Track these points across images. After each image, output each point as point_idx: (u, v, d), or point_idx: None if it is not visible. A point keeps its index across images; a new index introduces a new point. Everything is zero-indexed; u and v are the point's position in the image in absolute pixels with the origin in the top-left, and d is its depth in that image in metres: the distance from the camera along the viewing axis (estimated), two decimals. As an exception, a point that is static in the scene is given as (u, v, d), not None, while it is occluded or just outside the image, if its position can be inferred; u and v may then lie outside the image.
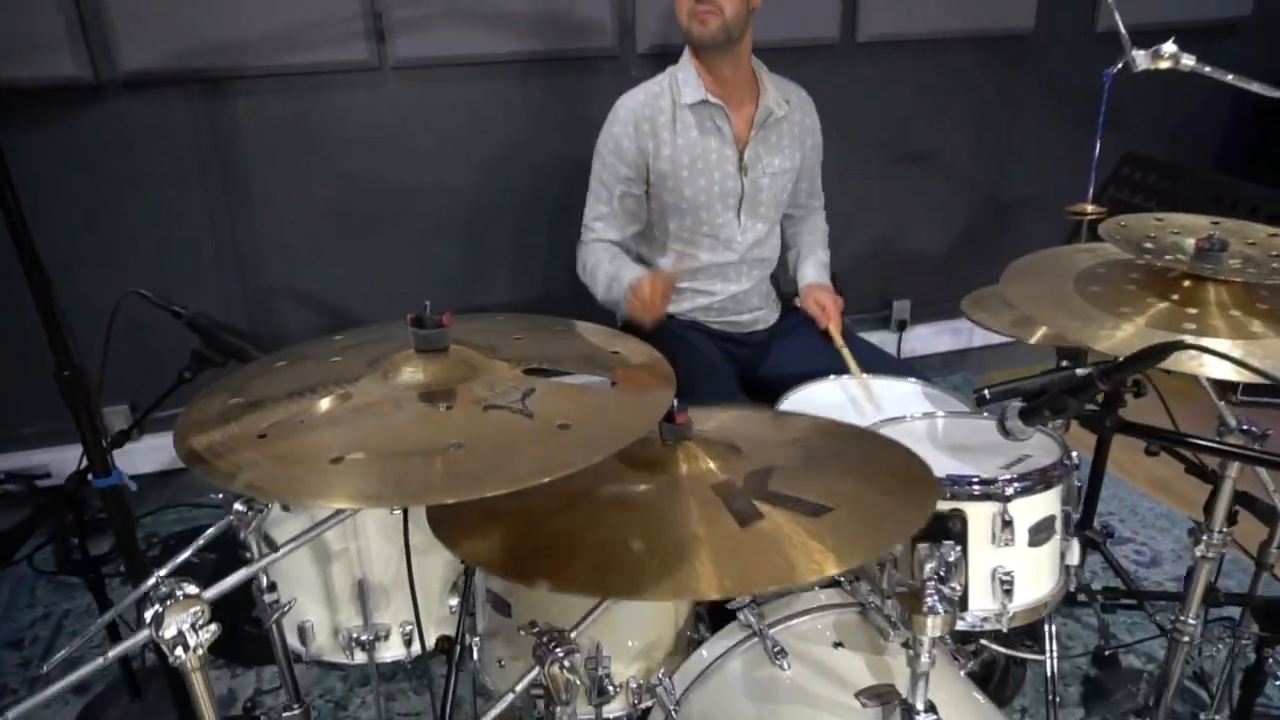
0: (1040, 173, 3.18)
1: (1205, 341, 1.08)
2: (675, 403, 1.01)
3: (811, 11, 2.72)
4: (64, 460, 2.37)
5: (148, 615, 0.80)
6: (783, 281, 2.25)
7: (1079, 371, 1.32)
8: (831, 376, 1.72)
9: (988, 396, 1.46)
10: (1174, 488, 2.57)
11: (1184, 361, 0.92)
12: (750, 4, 1.86)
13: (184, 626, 0.79)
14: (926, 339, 3.30)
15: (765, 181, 1.97)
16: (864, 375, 1.72)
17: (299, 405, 0.88)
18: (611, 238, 1.97)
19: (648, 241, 2.03)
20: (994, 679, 1.80)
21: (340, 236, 2.55)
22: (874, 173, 2.98)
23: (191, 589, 0.80)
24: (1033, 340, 1.53)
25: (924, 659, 1.02)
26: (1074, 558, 1.24)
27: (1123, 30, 1.46)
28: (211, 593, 0.82)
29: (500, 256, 2.71)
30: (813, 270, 2.12)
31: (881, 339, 3.23)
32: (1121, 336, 1.11)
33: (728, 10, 1.82)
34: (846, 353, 1.81)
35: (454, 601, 1.45)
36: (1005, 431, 1.07)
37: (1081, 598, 1.89)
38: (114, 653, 0.81)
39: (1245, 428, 1.25)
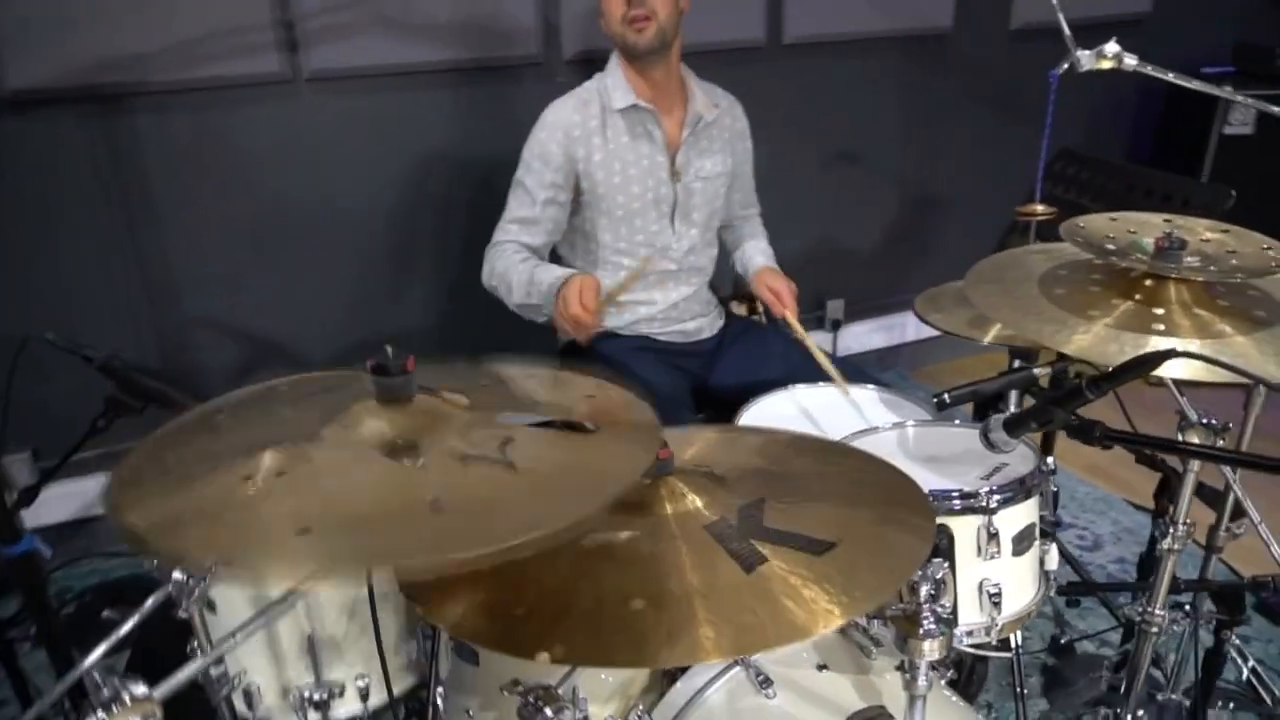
0: (965, 168, 3.24)
1: (1171, 342, 1.08)
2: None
3: (737, 14, 2.70)
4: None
5: (95, 720, 0.71)
6: (721, 290, 2.23)
7: (1048, 380, 1.32)
8: (791, 387, 1.69)
9: (948, 401, 1.45)
10: (1110, 472, 2.65)
11: (1175, 367, 0.91)
12: (680, 6, 1.83)
13: (135, 732, 0.70)
14: (860, 337, 3.33)
15: (698, 186, 1.94)
16: (840, 380, 1.70)
17: (251, 467, 0.78)
18: (526, 241, 1.89)
19: (584, 256, 1.97)
20: (960, 678, 1.80)
21: (257, 260, 2.40)
22: (804, 174, 2.99)
23: (140, 689, 0.71)
24: (986, 340, 1.53)
25: (921, 682, 0.99)
26: (1053, 562, 1.23)
27: (1066, 31, 1.47)
28: (162, 691, 0.72)
29: (428, 274, 2.60)
30: (761, 258, 2.11)
31: (817, 338, 3.22)
32: (1093, 338, 1.11)
33: (661, 15, 1.78)
34: (809, 341, 1.81)
35: (410, 650, 1.36)
36: (990, 444, 1.05)
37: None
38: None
39: (1207, 421, 1.26)
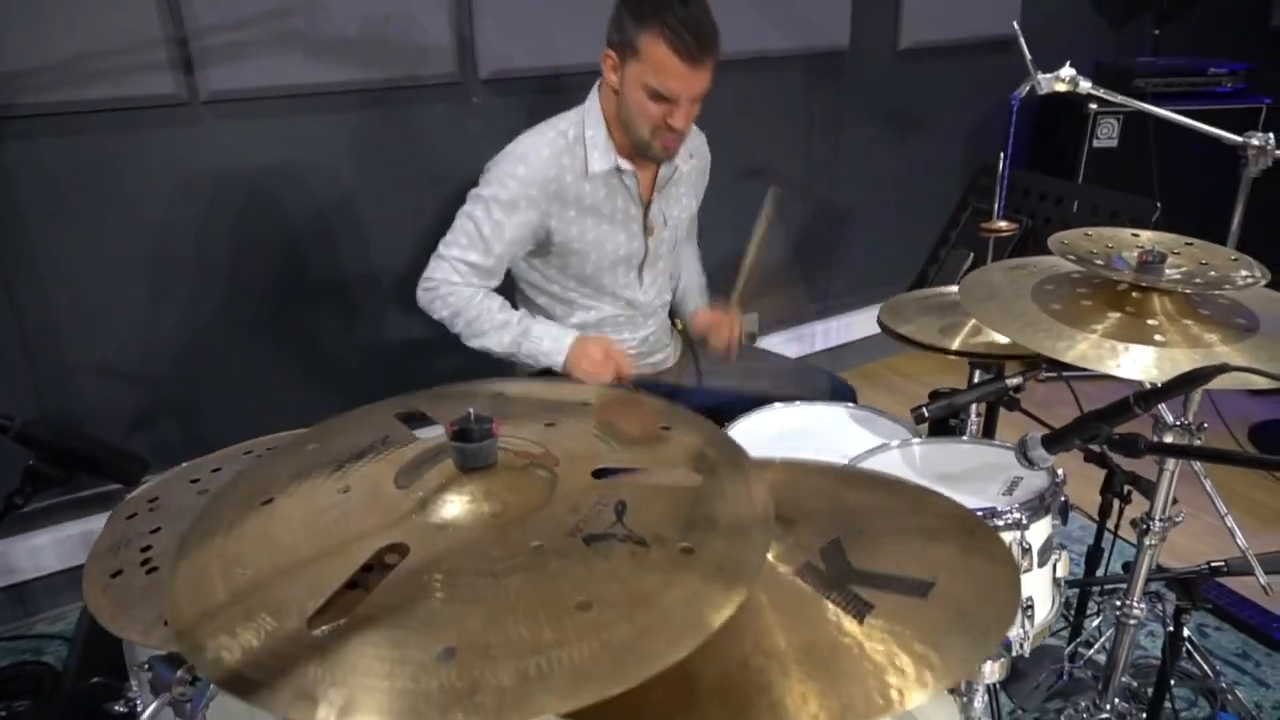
0: (864, 181, 3.37)
1: (1162, 351, 1.14)
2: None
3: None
4: None
5: None
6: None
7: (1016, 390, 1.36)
8: (779, 404, 1.68)
9: (926, 415, 1.48)
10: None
11: (1221, 380, 0.95)
12: None
13: None
14: (775, 347, 3.38)
15: (666, 235, 1.89)
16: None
17: (316, 576, 0.67)
18: (480, 284, 1.76)
19: (542, 302, 1.89)
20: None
21: (153, 299, 2.17)
22: (714, 191, 3.00)
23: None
24: (954, 347, 1.58)
25: (977, 704, 1.00)
26: (1064, 569, 1.27)
27: (1027, 54, 1.53)
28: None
29: (342, 304, 2.44)
30: (698, 299, 2.11)
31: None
32: (1083, 347, 1.16)
33: (688, 130, 1.73)
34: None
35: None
36: (1029, 461, 1.06)
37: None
38: None
39: (1183, 423, 1.34)
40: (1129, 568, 1.53)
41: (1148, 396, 0.98)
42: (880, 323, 1.68)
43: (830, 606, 0.81)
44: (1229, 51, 3.40)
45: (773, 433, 1.60)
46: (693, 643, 0.58)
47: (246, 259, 2.27)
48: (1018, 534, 1.14)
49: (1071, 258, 1.26)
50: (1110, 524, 1.74)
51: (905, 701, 0.71)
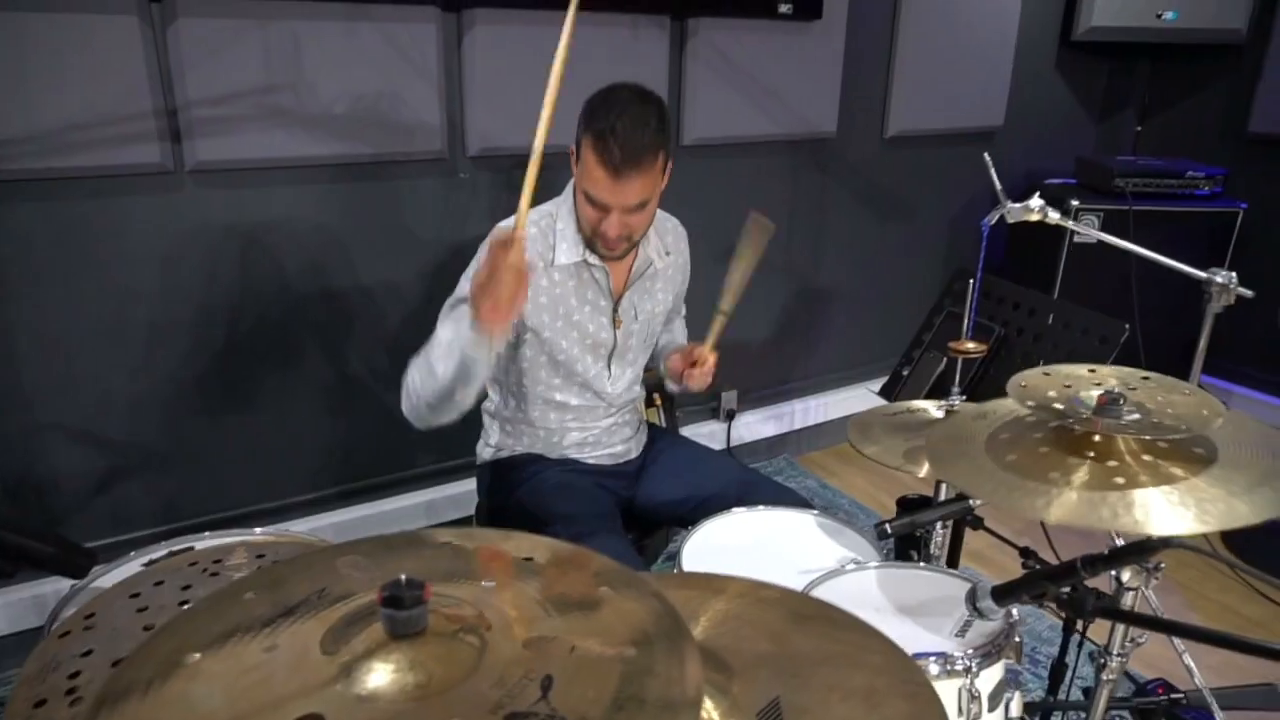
0: (847, 265, 3.40)
1: (1146, 495, 1.13)
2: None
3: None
4: None
5: None
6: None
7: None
8: (736, 509, 1.67)
9: (889, 531, 1.48)
10: (989, 557, 2.78)
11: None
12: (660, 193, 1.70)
13: None
14: (752, 425, 3.39)
15: (636, 327, 1.89)
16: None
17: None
18: None
19: (515, 389, 1.87)
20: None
21: (124, 367, 2.17)
22: (697, 269, 3.03)
23: None
24: (921, 474, 1.58)
25: None
26: (1016, 709, 1.25)
27: (998, 184, 1.56)
28: None
29: (315, 378, 2.43)
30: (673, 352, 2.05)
31: (711, 429, 3.27)
32: (1066, 503, 1.14)
33: (638, 234, 1.70)
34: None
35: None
36: (978, 612, 1.06)
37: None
38: None
39: (1148, 566, 1.34)
40: (1089, 692, 1.51)
41: (1094, 562, 0.98)
42: (850, 440, 1.68)
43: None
44: (1208, 152, 3.48)
45: (735, 541, 1.59)
46: None
47: (223, 328, 2.27)
48: (966, 680, 1.13)
49: (1031, 404, 1.26)
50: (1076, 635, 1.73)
51: None
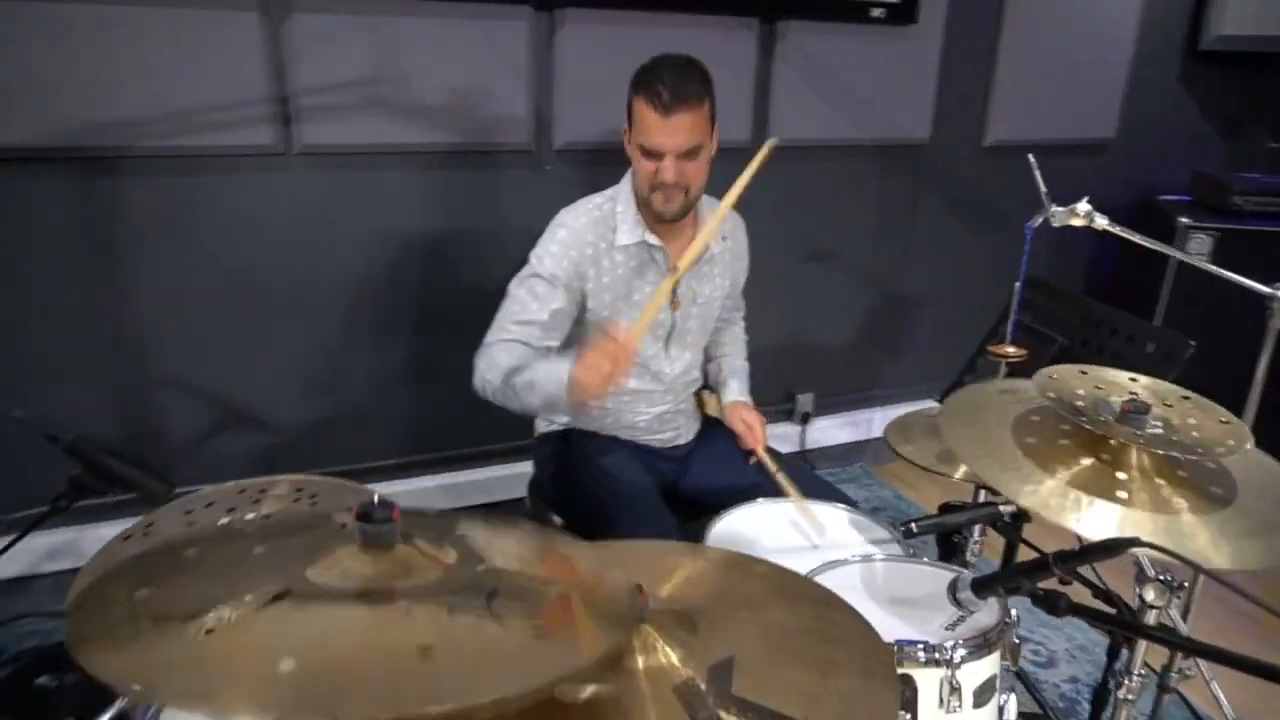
0: (936, 272, 3.34)
1: (1131, 513, 1.12)
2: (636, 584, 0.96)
3: (725, 117, 2.75)
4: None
5: None
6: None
7: (1010, 516, 1.35)
8: (760, 500, 1.70)
9: (915, 530, 1.48)
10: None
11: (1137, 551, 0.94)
12: (710, 157, 1.79)
13: None
14: (828, 430, 3.37)
15: (695, 311, 1.94)
16: (800, 501, 1.70)
17: (223, 609, 0.77)
18: (523, 341, 1.78)
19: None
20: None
21: (233, 330, 2.38)
22: (780, 270, 3.05)
23: None
24: (956, 476, 1.57)
25: None
26: (1011, 713, 1.24)
27: (1042, 186, 1.54)
28: None
29: (403, 350, 2.60)
30: (736, 386, 2.11)
31: (785, 431, 3.28)
32: (1046, 493, 1.14)
33: (694, 187, 1.78)
34: (782, 479, 1.77)
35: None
36: (957, 603, 1.07)
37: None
38: None
39: (1164, 579, 1.29)
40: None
41: (1066, 558, 0.97)
42: (886, 439, 1.69)
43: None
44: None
45: (760, 529, 1.62)
46: (498, 693, 0.66)
47: (320, 298, 2.46)
48: (946, 672, 1.13)
49: (1051, 395, 1.25)
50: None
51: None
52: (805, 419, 3.30)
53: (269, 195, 2.34)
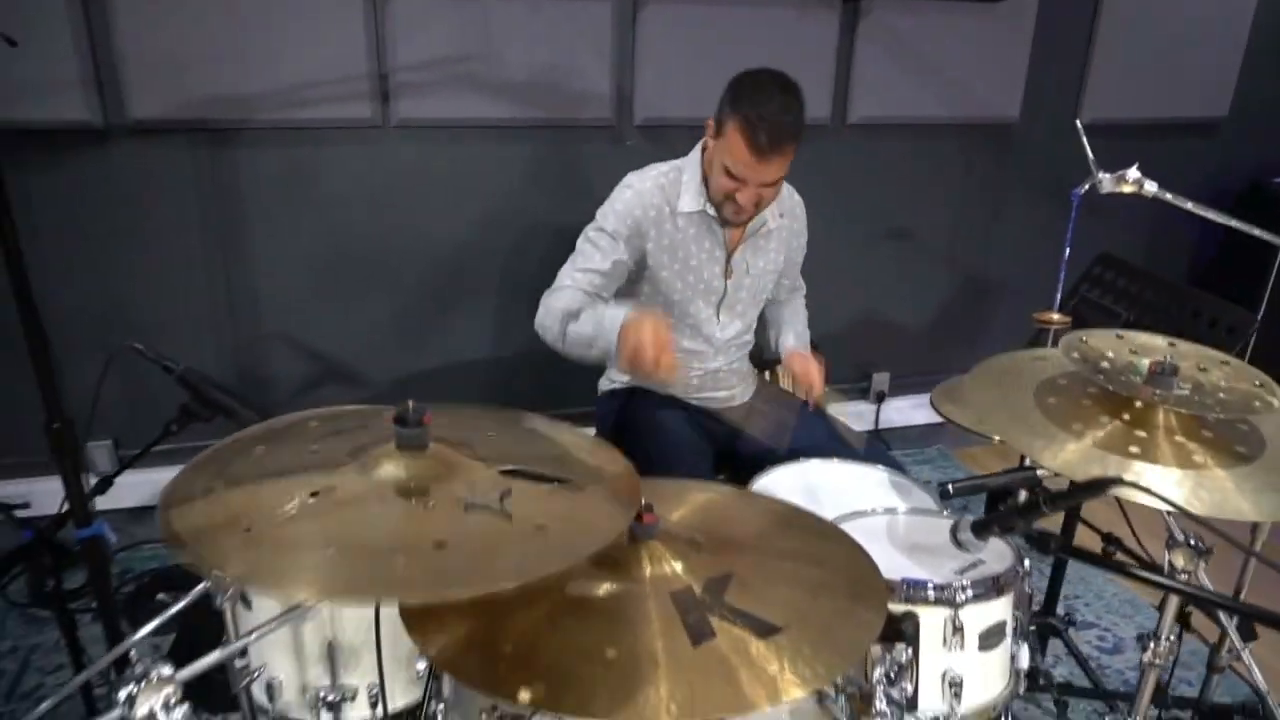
0: (1018, 258, 3.27)
1: (1147, 468, 1.13)
2: (645, 503, 1.05)
3: (805, 93, 2.79)
4: (43, 492, 2.38)
5: (121, 694, 0.83)
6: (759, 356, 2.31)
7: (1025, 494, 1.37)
8: (801, 459, 1.76)
9: (951, 492, 1.51)
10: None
11: (1123, 493, 0.97)
12: None
13: (156, 707, 0.83)
14: (904, 411, 3.36)
15: (747, 281, 2.01)
16: (849, 429, 1.74)
17: (281, 494, 0.91)
18: (587, 289, 1.88)
19: None
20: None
21: (332, 289, 2.60)
22: (859, 248, 3.07)
23: (166, 670, 0.83)
24: (996, 439, 1.58)
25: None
26: (1024, 661, 1.28)
27: (1090, 154, 1.54)
28: (185, 674, 0.85)
29: (487, 313, 2.76)
30: (793, 339, 2.17)
31: (860, 410, 3.29)
32: (1067, 454, 1.17)
33: (766, 206, 1.87)
34: (839, 422, 1.84)
35: (421, 665, 1.47)
36: (958, 543, 1.11)
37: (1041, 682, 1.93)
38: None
39: (1192, 543, 1.30)
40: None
41: (1055, 498, 1.01)
42: (932, 401, 1.72)
43: (681, 627, 0.94)
44: None
45: (800, 484, 1.69)
46: (500, 584, 0.76)
47: (412, 262, 2.65)
48: (950, 612, 1.18)
49: (1075, 356, 1.27)
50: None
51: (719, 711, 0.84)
52: (880, 398, 3.30)
53: (367, 166, 2.53)
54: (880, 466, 1.74)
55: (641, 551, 1.05)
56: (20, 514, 2.51)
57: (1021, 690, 1.29)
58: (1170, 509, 0.97)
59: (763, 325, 2.24)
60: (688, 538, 1.10)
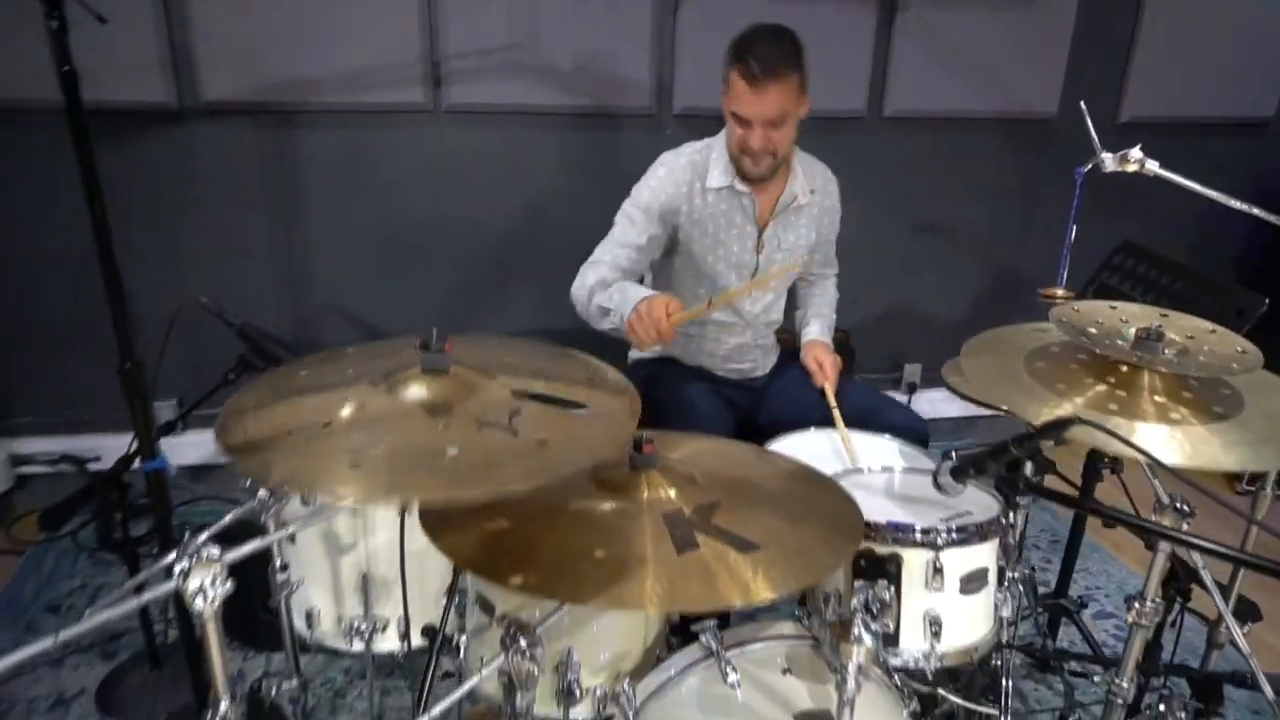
0: (1054, 255, 3.28)
1: (1125, 423, 1.20)
2: (643, 434, 1.16)
3: (841, 85, 2.88)
4: (113, 447, 2.56)
5: (176, 568, 0.96)
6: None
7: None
8: (813, 428, 1.84)
9: (954, 458, 1.59)
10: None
11: (1083, 435, 1.04)
12: (799, 121, 1.92)
13: (205, 581, 0.95)
14: (937, 403, 3.39)
15: (779, 256, 2.09)
16: (846, 431, 1.83)
17: (321, 410, 1.04)
18: (623, 265, 1.97)
19: (670, 292, 2.14)
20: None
21: (383, 264, 2.75)
22: (892, 239, 3.12)
23: (214, 550, 0.96)
24: (1005, 408, 1.64)
25: (850, 685, 1.14)
26: (1007, 610, 1.34)
27: (1093, 133, 1.59)
28: (230, 556, 0.98)
29: (528, 290, 2.89)
30: (816, 328, 2.23)
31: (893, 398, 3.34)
32: (1049, 412, 1.23)
33: (780, 152, 1.93)
34: (836, 412, 1.91)
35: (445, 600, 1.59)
36: (939, 486, 1.19)
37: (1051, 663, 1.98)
38: (143, 598, 0.97)
39: (1178, 505, 1.35)
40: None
41: (1022, 440, 1.08)
42: (942, 374, 1.78)
43: (669, 538, 1.04)
44: None
45: (810, 449, 1.77)
46: (501, 490, 0.87)
47: (459, 241, 2.79)
48: (932, 554, 1.25)
49: (1064, 321, 1.33)
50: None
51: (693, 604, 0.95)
52: (912, 389, 3.34)
53: (418, 149, 2.68)
54: (890, 437, 1.81)
55: (641, 479, 1.16)
56: (91, 467, 2.72)
57: (1004, 639, 1.36)
58: (1139, 454, 1.03)
59: (791, 303, 2.31)
60: (685, 473, 1.20)
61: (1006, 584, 1.35)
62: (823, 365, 2.06)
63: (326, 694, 2.05)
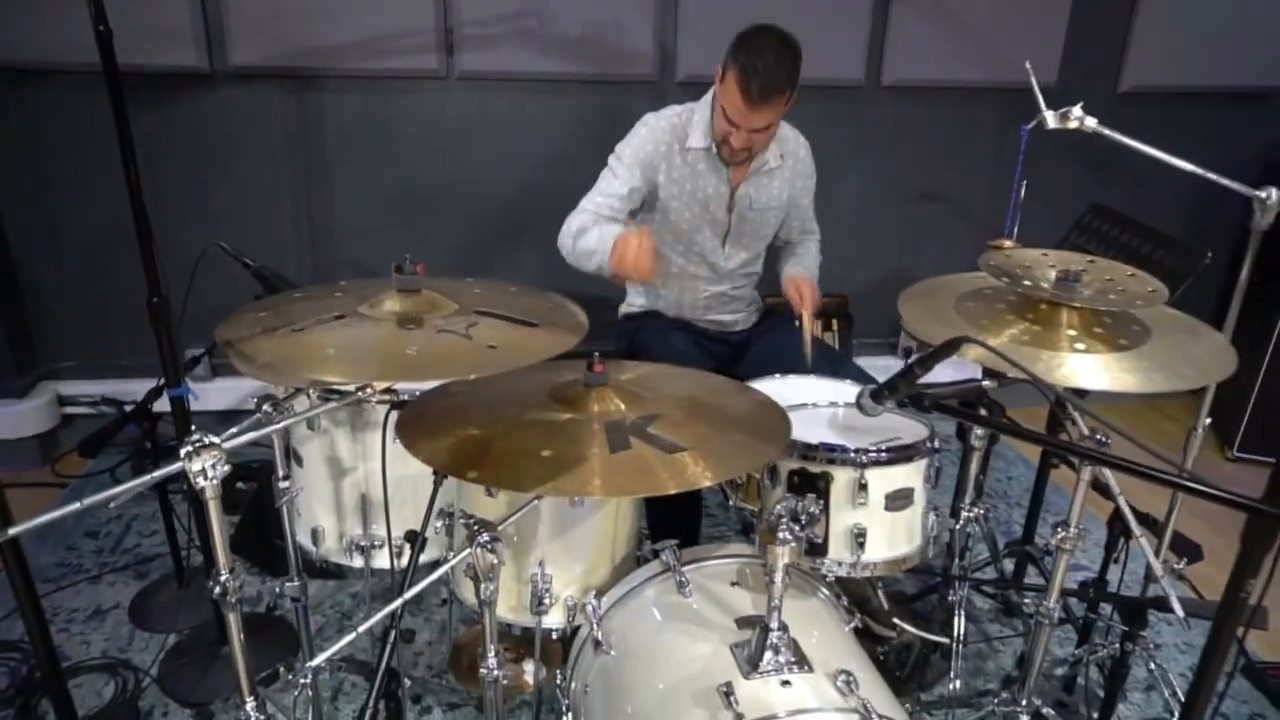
0: (1053, 223, 3.34)
1: (1035, 352, 1.31)
2: (595, 354, 1.30)
3: (840, 54, 2.97)
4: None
5: (182, 452, 1.13)
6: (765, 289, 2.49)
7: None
8: (783, 375, 1.96)
9: (885, 394, 1.69)
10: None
11: (973, 353, 1.17)
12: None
13: (206, 464, 1.12)
14: (933, 370, 3.48)
15: (751, 215, 2.21)
16: (810, 339, 1.96)
17: (308, 317, 1.20)
18: (606, 214, 2.10)
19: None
20: (909, 663, 2.00)
21: (397, 221, 2.92)
22: (889, 207, 3.21)
23: (214, 439, 1.13)
24: (969, 358, 1.75)
25: (777, 583, 1.28)
26: (935, 529, 1.47)
27: (1038, 92, 1.69)
28: (229, 444, 1.14)
29: (534, 245, 3.02)
30: (799, 268, 2.32)
31: (887, 364, 3.44)
32: (976, 347, 1.35)
33: (757, 150, 2.07)
34: (807, 338, 2.02)
35: (440, 523, 1.75)
36: (860, 407, 1.31)
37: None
38: (156, 474, 1.14)
39: (1096, 436, 1.46)
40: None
41: (923, 359, 1.20)
42: (903, 327, 1.90)
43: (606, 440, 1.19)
44: None
45: (778, 390, 1.89)
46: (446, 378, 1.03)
47: (470, 203, 2.94)
48: (856, 471, 1.38)
49: (992, 265, 1.45)
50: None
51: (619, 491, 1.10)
52: (908, 353, 3.43)
53: (432, 113, 2.83)
54: (849, 381, 1.93)
55: (592, 394, 1.31)
56: (128, 409, 2.94)
57: (930, 554, 1.48)
58: (1020, 370, 1.16)
59: (775, 265, 2.42)
60: (635, 392, 1.35)
61: (935, 508, 1.47)
62: (803, 295, 2.16)
63: (334, 615, 2.24)
